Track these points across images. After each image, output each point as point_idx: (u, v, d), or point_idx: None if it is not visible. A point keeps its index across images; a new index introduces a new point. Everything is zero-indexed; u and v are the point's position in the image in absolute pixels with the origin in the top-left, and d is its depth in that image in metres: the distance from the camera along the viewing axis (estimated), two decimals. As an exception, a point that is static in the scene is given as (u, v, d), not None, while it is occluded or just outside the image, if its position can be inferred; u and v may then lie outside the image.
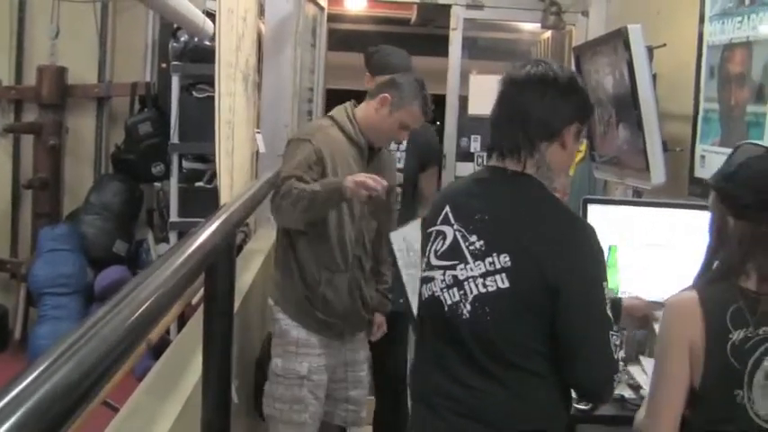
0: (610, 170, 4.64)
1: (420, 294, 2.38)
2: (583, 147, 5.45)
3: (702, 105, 3.75)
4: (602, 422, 3.08)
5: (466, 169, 5.78)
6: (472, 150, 6.47)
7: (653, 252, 3.47)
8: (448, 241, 2.28)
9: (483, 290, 2.19)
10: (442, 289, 2.27)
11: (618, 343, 2.26)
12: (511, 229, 2.22)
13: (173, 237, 6.27)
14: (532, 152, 2.24)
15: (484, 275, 2.19)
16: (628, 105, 4.02)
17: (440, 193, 2.55)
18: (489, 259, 2.19)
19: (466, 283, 2.22)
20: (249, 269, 4.05)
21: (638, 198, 4.32)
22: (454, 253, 2.26)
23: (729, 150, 3.32)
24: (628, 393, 3.11)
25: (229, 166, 3.67)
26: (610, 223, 3.59)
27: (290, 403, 3.54)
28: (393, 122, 3.53)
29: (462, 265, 2.24)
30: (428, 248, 2.34)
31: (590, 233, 2.28)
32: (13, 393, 0.95)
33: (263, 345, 3.89)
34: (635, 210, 3.66)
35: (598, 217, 3.63)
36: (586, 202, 3.71)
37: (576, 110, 2.28)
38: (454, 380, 2.27)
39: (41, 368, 1.02)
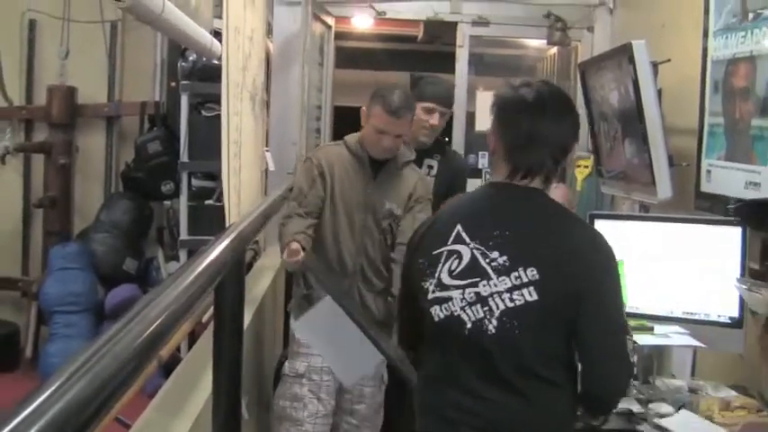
0: (617, 185, 4.65)
1: (429, 315, 2.37)
2: (589, 162, 5.47)
3: (707, 120, 3.76)
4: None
5: (474, 185, 5.77)
6: (480, 167, 6.48)
7: (660, 266, 3.48)
8: (465, 260, 2.29)
9: (510, 304, 2.22)
10: (462, 308, 2.29)
11: (631, 348, 2.30)
12: (535, 243, 2.26)
13: (183, 255, 6.30)
14: (555, 171, 2.36)
15: (510, 290, 2.23)
16: (633, 120, 4.04)
17: (442, 213, 2.51)
18: (515, 274, 2.23)
19: (490, 299, 2.25)
20: (259, 286, 4.07)
21: (645, 213, 4.34)
22: (474, 271, 2.28)
23: (735, 165, 3.35)
24: (636, 408, 3.12)
25: (237, 184, 3.70)
26: (617, 238, 3.57)
27: (291, 401, 3.66)
28: (370, 130, 3.64)
29: (485, 282, 2.26)
30: (437, 269, 2.34)
31: (606, 242, 2.39)
32: (29, 410, 0.97)
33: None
34: (642, 224, 3.68)
35: (605, 232, 3.63)
36: (593, 216, 3.73)
37: (577, 127, 2.41)
38: (471, 394, 2.29)
39: (55, 385, 1.04)
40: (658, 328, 3.39)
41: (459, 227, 2.34)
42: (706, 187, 3.75)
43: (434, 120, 4.15)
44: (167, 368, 3.36)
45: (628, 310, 3.28)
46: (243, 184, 3.83)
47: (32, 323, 6.81)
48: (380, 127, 3.60)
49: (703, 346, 3.33)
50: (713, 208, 3.67)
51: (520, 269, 2.22)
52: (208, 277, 1.87)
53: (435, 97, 4.18)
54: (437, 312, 2.33)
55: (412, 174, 3.83)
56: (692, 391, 3.24)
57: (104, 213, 6.92)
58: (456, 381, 2.32)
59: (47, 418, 0.98)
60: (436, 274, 2.34)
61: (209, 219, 5.98)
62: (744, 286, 3.06)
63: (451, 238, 2.34)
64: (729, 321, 3.33)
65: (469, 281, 2.28)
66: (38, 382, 1.07)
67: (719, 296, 3.33)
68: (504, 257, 2.25)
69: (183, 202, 6.33)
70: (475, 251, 2.29)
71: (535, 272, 2.21)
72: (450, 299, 2.31)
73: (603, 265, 2.31)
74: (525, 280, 2.21)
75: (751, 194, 3.33)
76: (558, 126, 2.34)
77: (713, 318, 3.37)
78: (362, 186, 3.67)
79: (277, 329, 4.27)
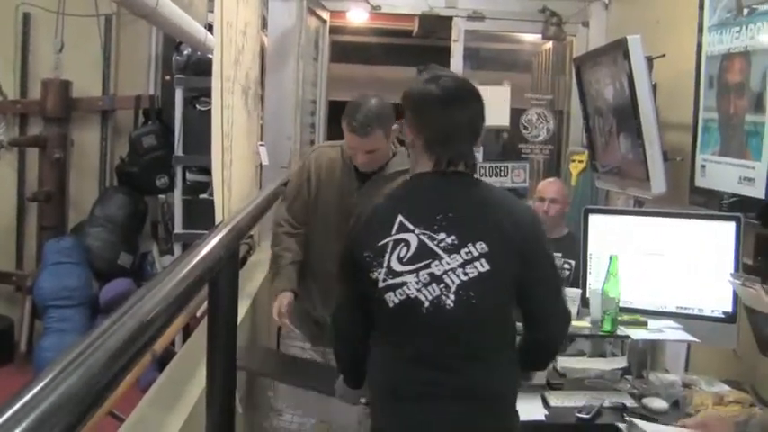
0: (611, 180, 4.66)
1: (382, 302, 2.44)
2: (584, 157, 5.48)
3: (702, 115, 3.77)
4: (603, 430, 3.09)
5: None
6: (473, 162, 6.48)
7: (654, 261, 3.49)
8: (414, 246, 2.41)
9: (465, 278, 2.37)
10: (418, 289, 2.40)
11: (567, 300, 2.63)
12: (478, 219, 2.43)
13: (177, 249, 6.29)
14: (472, 154, 2.54)
15: (463, 265, 2.38)
16: (628, 115, 4.04)
17: (377, 208, 2.58)
18: (465, 250, 2.38)
19: (445, 276, 2.38)
20: (253, 280, 4.07)
21: (640, 208, 4.34)
22: (424, 254, 2.40)
23: (729, 160, 3.36)
24: (629, 402, 3.13)
25: (228, 178, 3.69)
26: (611, 232, 3.61)
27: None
28: (346, 145, 3.58)
29: (437, 262, 2.39)
30: (385, 259, 2.43)
31: (534, 211, 2.70)
32: (22, 402, 0.97)
33: None
34: (636, 219, 3.68)
35: (600, 226, 3.66)
36: (588, 211, 3.73)
37: (483, 112, 2.56)
38: (434, 368, 2.42)
39: (49, 378, 1.04)
40: (652, 323, 3.39)
41: (400, 217, 2.44)
42: (700, 182, 3.76)
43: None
44: (161, 362, 3.35)
45: (622, 304, 3.30)
46: (234, 178, 3.82)
47: (27, 317, 6.80)
48: (349, 143, 3.51)
49: (697, 340, 3.33)
50: (707, 203, 3.67)
51: (469, 245, 2.38)
52: (202, 271, 1.88)
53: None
54: (391, 298, 2.42)
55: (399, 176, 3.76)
56: (686, 385, 3.24)
57: (99, 208, 6.91)
58: (417, 358, 2.43)
59: (39, 410, 0.98)
60: (384, 264, 2.43)
61: (203, 213, 5.96)
62: (737, 281, 3.07)
63: (395, 228, 2.44)
64: (723, 316, 3.34)
65: (422, 263, 2.39)
66: (32, 377, 1.07)
67: (713, 291, 3.34)
68: (453, 237, 2.39)
69: (177, 197, 6.32)
70: (421, 236, 2.41)
71: (483, 245, 2.38)
72: (404, 283, 2.41)
73: (539, 231, 2.52)
74: (476, 253, 2.38)
75: (745, 190, 3.34)
76: (468, 115, 2.50)
77: (707, 313, 3.38)
78: (346, 193, 3.60)
79: (271, 324, 4.26)
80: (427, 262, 2.39)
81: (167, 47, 6.91)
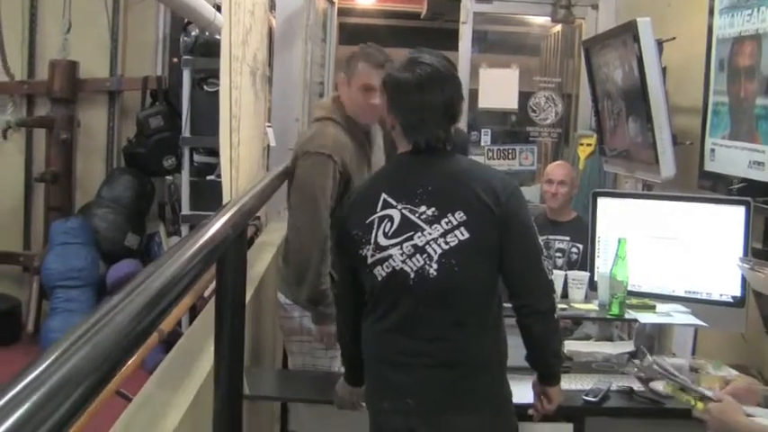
0: (620, 164, 4.64)
1: (372, 276, 2.57)
2: (593, 140, 5.46)
3: (712, 98, 3.75)
4: (611, 414, 3.09)
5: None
6: (483, 144, 6.46)
7: (662, 245, 3.48)
8: (397, 220, 2.54)
9: (446, 246, 2.49)
10: (403, 261, 2.52)
11: (548, 267, 2.66)
12: (456, 190, 2.54)
13: (184, 230, 6.29)
14: (449, 134, 2.63)
15: (443, 234, 2.50)
16: (637, 99, 4.02)
17: (362, 188, 2.78)
18: (445, 220, 2.50)
19: (428, 246, 2.51)
20: (261, 261, 4.07)
21: (648, 191, 4.33)
22: (407, 227, 2.53)
23: (739, 144, 3.34)
24: (636, 386, 3.12)
25: (235, 159, 3.68)
26: (619, 216, 3.60)
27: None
28: (357, 92, 3.50)
29: (419, 234, 2.51)
30: (372, 235, 2.56)
31: (511, 179, 2.74)
32: (30, 378, 0.97)
33: None
34: (644, 203, 3.67)
35: (608, 210, 3.64)
36: (596, 195, 3.72)
37: (459, 89, 2.65)
38: (423, 337, 2.54)
39: (56, 354, 1.04)
40: (660, 307, 3.39)
41: (384, 195, 2.58)
42: (709, 166, 3.75)
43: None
44: (168, 344, 3.35)
45: (630, 288, 3.29)
46: (241, 159, 3.80)
47: (34, 298, 6.81)
48: (368, 81, 3.44)
49: (705, 325, 3.33)
50: (716, 187, 3.66)
51: (449, 215, 2.50)
52: (209, 250, 1.87)
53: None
54: (379, 272, 2.56)
55: (376, 126, 3.73)
56: (693, 369, 3.23)
57: (106, 189, 6.92)
58: (406, 328, 2.55)
59: (47, 386, 0.98)
60: (372, 240, 2.57)
61: (210, 194, 5.95)
62: (746, 266, 3.05)
63: (379, 206, 2.58)
64: (731, 301, 3.33)
65: (405, 236, 2.53)
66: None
67: (722, 275, 3.33)
68: (433, 209, 2.52)
69: (184, 178, 6.31)
70: (404, 210, 2.54)
71: (462, 213, 2.50)
72: (390, 256, 2.54)
73: (516, 197, 2.59)
74: (455, 223, 2.50)
75: (754, 174, 3.32)
76: (442, 98, 2.57)
77: (715, 297, 3.37)
78: (366, 169, 3.56)
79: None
80: (410, 234, 2.52)
81: (175, 28, 6.89)
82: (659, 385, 3.09)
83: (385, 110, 2.66)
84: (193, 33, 6.27)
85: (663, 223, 3.49)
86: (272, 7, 5.56)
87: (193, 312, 4.57)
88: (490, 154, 6.22)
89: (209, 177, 6.33)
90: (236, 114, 3.59)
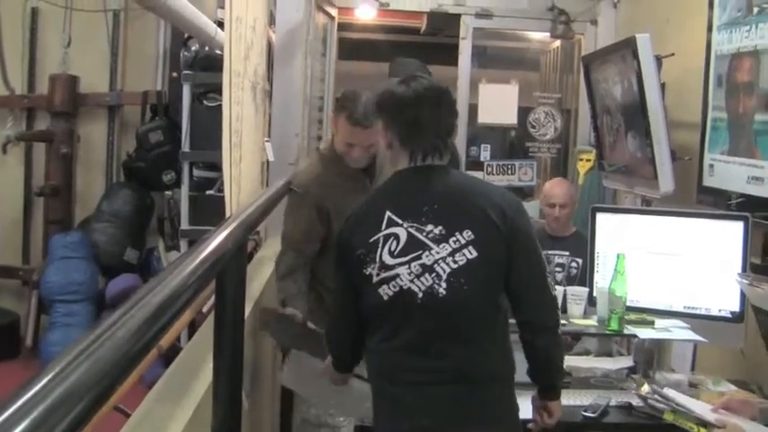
0: (619, 179, 4.65)
1: (376, 296, 2.54)
2: (592, 156, 5.47)
3: (711, 114, 3.76)
4: (610, 430, 3.09)
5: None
6: (482, 159, 6.47)
7: (661, 260, 3.48)
8: (403, 239, 2.53)
9: (455, 265, 2.49)
10: (410, 280, 2.51)
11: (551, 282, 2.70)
12: (462, 208, 2.55)
13: (183, 245, 6.30)
14: (446, 149, 2.64)
15: (452, 253, 2.50)
16: (636, 114, 4.03)
17: (364, 206, 2.73)
18: (453, 238, 2.50)
19: (436, 265, 2.50)
20: (260, 276, 4.07)
21: (647, 207, 4.33)
22: (414, 246, 2.52)
23: (738, 159, 3.34)
24: (635, 401, 3.12)
25: (237, 175, 3.68)
26: (619, 231, 3.60)
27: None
28: (339, 141, 3.48)
29: (427, 253, 2.50)
30: (377, 254, 2.54)
31: (514, 195, 2.78)
32: (30, 394, 0.97)
33: None
34: (644, 218, 3.67)
35: (607, 225, 3.65)
36: (595, 210, 3.73)
37: (453, 108, 2.71)
38: (432, 355, 2.52)
39: (57, 370, 1.04)
40: (659, 322, 3.39)
41: (388, 212, 2.56)
42: (708, 182, 3.75)
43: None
44: (167, 358, 3.35)
45: (629, 303, 3.30)
46: (243, 174, 3.81)
47: (33, 312, 6.81)
48: (348, 139, 3.43)
49: (704, 340, 3.33)
50: (715, 202, 3.66)
51: (456, 233, 2.50)
52: (210, 265, 1.87)
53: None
54: (385, 291, 2.53)
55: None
56: (692, 385, 3.24)
57: (105, 203, 6.92)
58: (414, 346, 2.53)
59: (46, 403, 0.98)
60: (377, 258, 2.54)
61: (210, 209, 5.98)
62: (745, 281, 3.05)
63: (384, 224, 2.56)
64: (730, 316, 3.33)
65: (412, 255, 2.51)
66: (38, 371, 1.06)
67: (721, 291, 3.33)
68: (440, 227, 2.51)
69: (184, 193, 6.33)
70: (410, 229, 2.53)
71: (470, 232, 2.50)
72: (396, 276, 2.52)
73: (521, 212, 2.63)
74: (463, 241, 2.50)
75: (753, 189, 3.33)
76: (438, 111, 2.61)
77: (714, 312, 3.37)
78: (363, 194, 3.36)
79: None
80: (418, 253, 2.51)
81: (175, 43, 6.92)
82: (659, 401, 3.09)
83: (381, 133, 2.68)
84: (193, 48, 6.29)
85: (662, 239, 3.50)
86: (272, 22, 5.58)
87: (192, 327, 4.57)
88: (489, 169, 6.23)
89: (208, 192, 6.35)
90: (237, 130, 3.61)
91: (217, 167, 6.22)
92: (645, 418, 3.04)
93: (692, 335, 3.34)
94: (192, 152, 6.28)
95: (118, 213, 6.84)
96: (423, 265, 2.50)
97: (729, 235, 3.30)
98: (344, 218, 3.36)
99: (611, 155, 4.65)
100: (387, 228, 2.55)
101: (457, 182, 2.65)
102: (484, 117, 6.23)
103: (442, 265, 2.49)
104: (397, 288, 2.52)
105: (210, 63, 5.94)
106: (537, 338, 2.63)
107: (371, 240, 2.55)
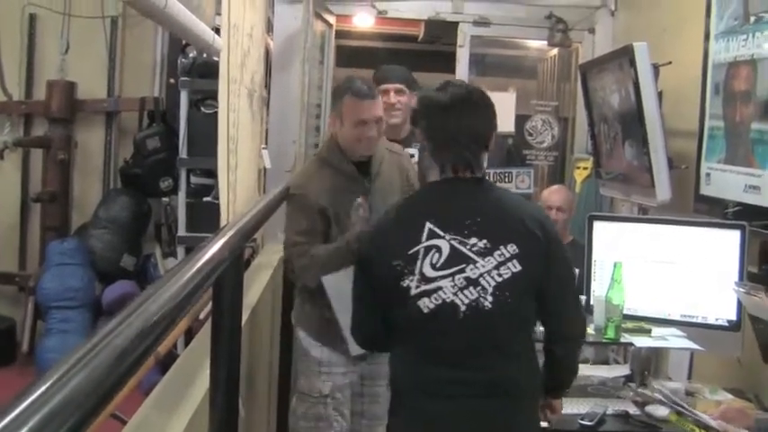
0: (616, 187, 4.65)
1: (414, 308, 2.53)
2: (589, 164, 5.48)
3: (708, 123, 3.76)
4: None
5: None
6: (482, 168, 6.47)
7: (658, 268, 3.48)
8: (446, 252, 2.51)
9: (500, 279, 2.50)
10: (454, 293, 2.49)
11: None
12: (506, 222, 2.56)
13: (180, 251, 6.29)
14: (480, 161, 2.64)
15: (497, 267, 2.50)
16: (633, 122, 4.04)
17: (396, 217, 2.70)
18: (498, 252, 2.51)
19: (481, 278, 2.50)
20: (257, 283, 4.06)
21: (644, 215, 4.34)
22: (458, 259, 2.51)
23: (735, 168, 3.35)
24: (632, 410, 3.12)
25: (233, 181, 3.68)
26: (616, 240, 3.61)
27: (315, 421, 3.56)
28: (350, 128, 3.48)
29: (471, 266, 2.50)
30: (417, 266, 2.52)
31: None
32: (28, 402, 0.97)
33: None
34: (640, 226, 3.67)
35: (604, 233, 3.65)
36: (592, 218, 3.73)
37: (494, 118, 2.68)
38: (467, 368, 2.53)
39: (54, 378, 1.04)
40: (656, 331, 3.39)
41: (428, 224, 2.54)
42: (705, 190, 3.75)
43: (403, 98, 4.16)
44: (164, 365, 3.35)
45: (626, 311, 3.30)
46: (239, 181, 3.81)
47: (29, 318, 6.80)
48: (360, 117, 3.44)
49: (701, 348, 3.33)
50: (712, 211, 3.67)
51: (501, 247, 2.51)
52: (207, 272, 1.87)
53: (400, 78, 4.21)
54: (426, 304, 2.51)
55: (391, 156, 3.71)
56: (689, 393, 3.24)
57: (102, 209, 6.91)
58: (452, 359, 2.54)
59: (44, 411, 0.98)
60: (416, 271, 2.52)
61: (207, 216, 5.97)
62: (742, 290, 3.06)
63: (424, 236, 2.53)
64: (727, 324, 3.33)
65: (456, 268, 2.50)
66: (34, 377, 1.06)
67: (717, 299, 3.34)
68: (484, 241, 2.51)
69: (181, 199, 6.33)
70: (452, 242, 2.52)
71: (515, 246, 2.51)
72: (439, 288, 2.51)
73: (553, 226, 2.69)
74: (508, 255, 2.51)
75: (750, 198, 3.33)
76: (473, 121, 2.61)
77: (711, 321, 3.38)
78: (361, 196, 3.52)
79: (274, 328, 4.26)
80: (461, 267, 2.50)
81: (173, 49, 6.92)
82: (655, 409, 3.09)
83: (418, 133, 2.73)
84: (191, 55, 6.29)
85: (659, 247, 3.50)
86: (270, 29, 5.58)
87: (189, 334, 4.56)
88: (486, 177, 6.23)
89: (205, 199, 6.34)
90: (233, 136, 3.61)
91: (214, 174, 6.22)
92: (641, 427, 3.04)
93: (688, 343, 3.34)
94: (189, 159, 6.28)
95: (115, 220, 6.83)
96: (467, 279, 2.50)
97: (726, 243, 3.31)
98: (343, 219, 3.41)
99: (609, 163, 4.66)
100: (428, 239, 2.53)
101: (495, 195, 2.66)
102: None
103: (488, 278, 2.50)
104: (440, 301, 2.51)
105: (208, 70, 5.94)
106: (562, 348, 2.70)
107: (410, 252, 2.53)
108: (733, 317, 3.31)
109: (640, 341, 3.32)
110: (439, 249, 2.51)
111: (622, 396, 3.30)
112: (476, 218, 2.53)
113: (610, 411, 3.14)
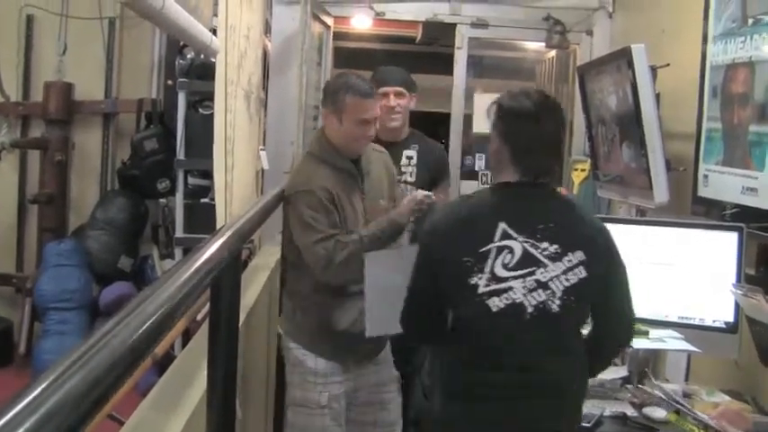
0: (613, 189, 4.65)
1: (481, 306, 2.58)
2: (586, 166, 5.48)
3: (705, 125, 3.76)
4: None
5: (470, 187, 5.78)
6: (477, 169, 6.47)
7: (655, 270, 3.48)
8: (518, 253, 2.58)
9: (567, 284, 2.58)
10: (524, 294, 2.57)
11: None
12: (575, 230, 2.66)
13: (178, 253, 6.28)
14: (557, 169, 2.80)
15: (566, 272, 2.58)
16: (631, 124, 4.04)
17: (468, 214, 2.71)
18: (567, 258, 2.59)
19: (551, 282, 2.58)
20: (254, 285, 4.06)
21: (642, 217, 4.34)
22: (529, 261, 2.58)
23: (732, 170, 3.35)
24: (630, 411, 3.12)
25: (230, 182, 3.68)
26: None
27: None
28: (352, 126, 3.44)
29: (542, 269, 2.58)
30: (488, 265, 2.57)
31: None
32: (24, 403, 0.97)
33: None
34: (638, 228, 3.67)
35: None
36: (590, 220, 3.72)
37: (566, 128, 2.67)
38: (527, 370, 2.61)
39: (50, 379, 1.04)
40: (653, 332, 3.39)
41: (502, 225, 2.59)
42: (703, 192, 3.75)
43: (403, 101, 4.17)
44: (161, 366, 3.35)
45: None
46: (235, 182, 3.81)
47: (26, 319, 6.80)
48: (363, 116, 3.42)
49: (698, 350, 3.33)
50: (709, 213, 3.66)
51: (569, 253, 2.59)
52: (204, 273, 1.87)
53: (399, 81, 4.21)
54: (495, 303, 2.57)
55: (375, 154, 3.68)
56: (687, 395, 3.23)
57: (100, 211, 6.91)
58: (513, 359, 2.61)
59: (41, 412, 0.98)
60: (487, 269, 2.57)
61: (204, 217, 5.95)
62: (739, 292, 3.06)
63: (497, 236, 2.59)
64: (724, 327, 3.33)
65: (527, 270, 2.57)
66: (31, 378, 1.06)
67: (715, 301, 3.33)
68: (555, 246, 2.59)
69: (178, 200, 6.32)
70: (525, 244, 2.58)
71: (581, 253, 2.59)
72: (509, 288, 2.57)
73: (613, 239, 2.74)
74: (576, 262, 2.59)
75: (747, 200, 3.33)
76: (554, 128, 2.69)
77: (708, 323, 3.37)
78: (358, 198, 3.51)
79: (271, 329, 4.26)
80: (532, 269, 2.58)
81: (170, 50, 6.92)
82: (653, 411, 3.09)
83: (492, 136, 2.76)
84: (189, 56, 6.29)
85: (656, 249, 3.50)
86: (268, 30, 5.58)
87: (186, 336, 4.56)
88: (484, 179, 6.24)
89: (203, 200, 6.33)
90: (230, 137, 3.61)
91: (212, 176, 6.21)
92: (639, 428, 3.04)
93: (686, 345, 3.34)
94: (186, 160, 6.28)
95: (112, 221, 6.83)
96: (537, 281, 2.57)
97: (724, 245, 3.30)
98: (350, 215, 3.43)
99: (606, 165, 4.66)
100: (501, 240, 2.59)
101: (564, 203, 2.80)
102: (479, 126, 6.23)
103: (557, 282, 2.58)
104: (510, 301, 2.57)
105: (206, 71, 5.94)
106: (608, 352, 2.87)
107: (482, 250, 2.58)
108: (730, 319, 3.31)
109: (638, 343, 3.31)
110: (511, 250, 2.58)
111: (620, 398, 3.30)
112: (548, 223, 2.61)
113: (607, 413, 3.13)
